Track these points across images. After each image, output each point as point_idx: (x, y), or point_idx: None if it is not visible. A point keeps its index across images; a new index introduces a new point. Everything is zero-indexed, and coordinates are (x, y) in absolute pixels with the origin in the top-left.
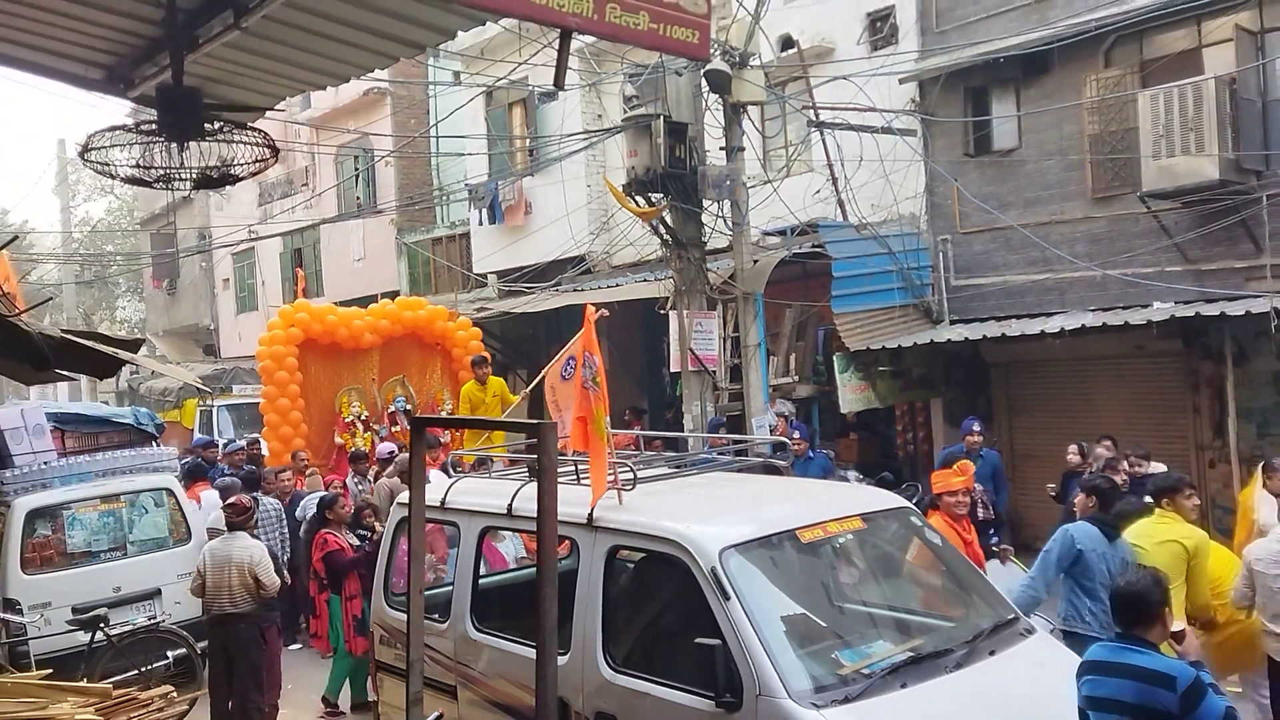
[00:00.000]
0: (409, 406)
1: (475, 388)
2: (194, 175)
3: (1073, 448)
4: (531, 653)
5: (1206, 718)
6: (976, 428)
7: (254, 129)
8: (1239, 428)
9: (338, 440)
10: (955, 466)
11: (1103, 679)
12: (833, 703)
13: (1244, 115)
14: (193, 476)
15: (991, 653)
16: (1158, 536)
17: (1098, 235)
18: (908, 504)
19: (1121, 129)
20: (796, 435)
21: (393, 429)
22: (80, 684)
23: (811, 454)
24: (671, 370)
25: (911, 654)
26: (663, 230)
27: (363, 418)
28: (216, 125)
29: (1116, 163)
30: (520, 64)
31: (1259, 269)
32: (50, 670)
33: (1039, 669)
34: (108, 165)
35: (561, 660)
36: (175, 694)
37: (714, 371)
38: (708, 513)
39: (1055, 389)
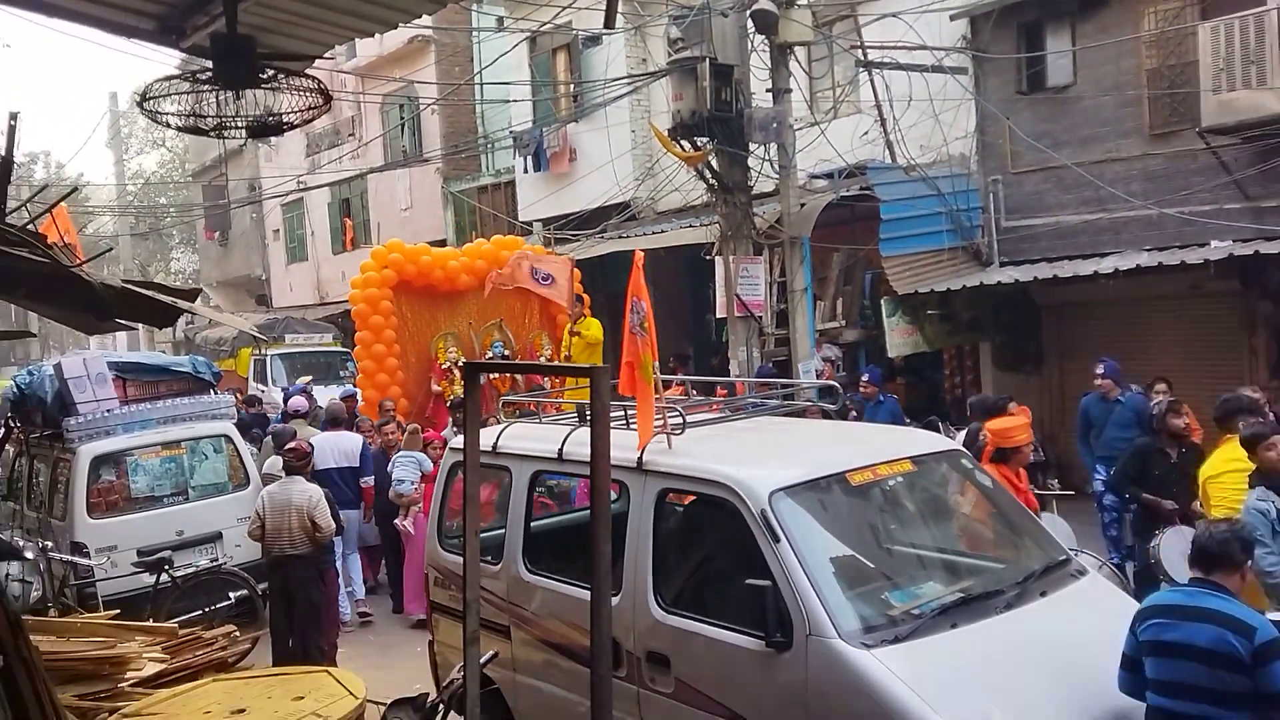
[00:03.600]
0: (507, 352)
1: (567, 333)
2: (248, 123)
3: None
4: (583, 593)
5: (1278, 679)
6: (1100, 370)
7: (307, 76)
8: None
9: (435, 388)
10: (1019, 409)
11: (1173, 623)
12: (882, 642)
13: None
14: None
15: (1043, 594)
16: None
17: (1154, 173)
18: (958, 447)
19: (1180, 63)
20: (866, 378)
21: (491, 377)
22: (147, 624)
23: (882, 398)
24: (717, 316)
25: (961, 595)
26: (708, 175)
27: (460, 364)
28: (269, 73)
29: (1175, 98)
30: (565, 8)
31: None
32: (118, 610)
33: (1091, 610)
34: (164, 115)
35: (613, 601)
36: (238, 633)
37: (760, 317)
38: (757, 456)
39: (1108, 331)
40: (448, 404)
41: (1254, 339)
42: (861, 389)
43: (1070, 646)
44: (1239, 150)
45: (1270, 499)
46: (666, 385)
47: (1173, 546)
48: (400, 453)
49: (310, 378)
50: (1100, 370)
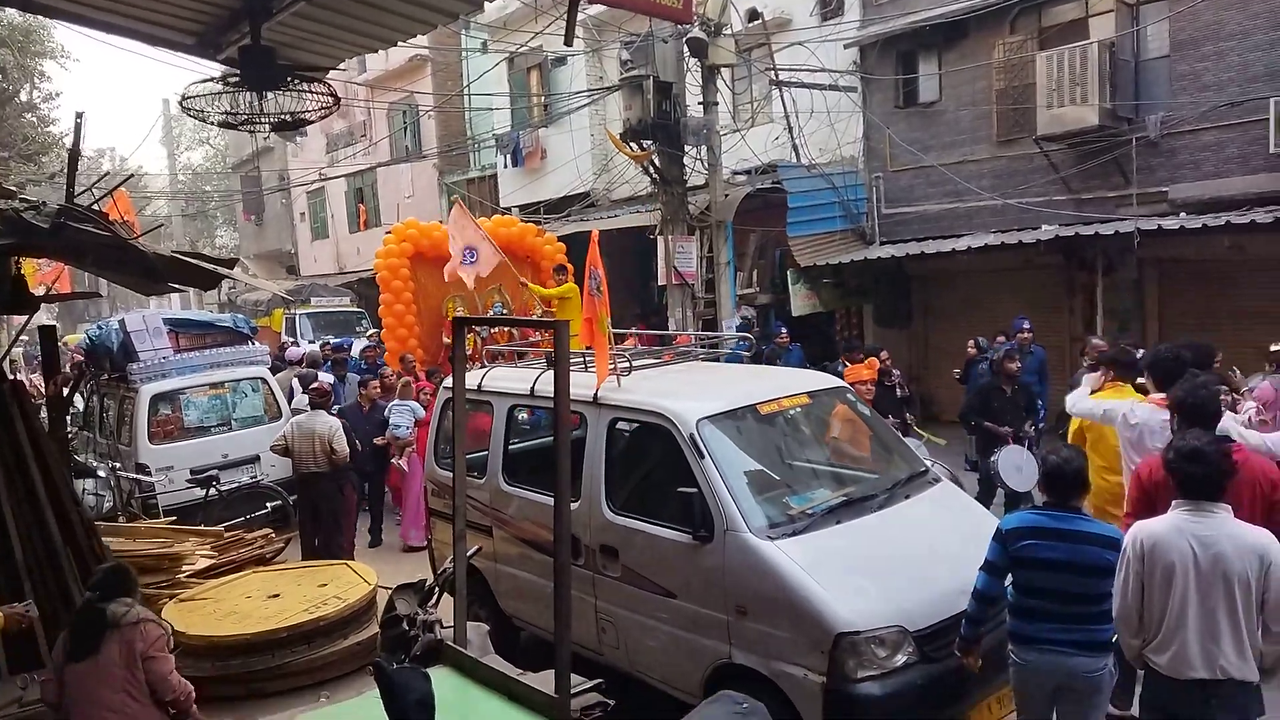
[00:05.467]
0: (505, 311)
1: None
2: (272, 120)
3: (970, 342)
4: (549, 500)
5: None
6: (1026, 326)
7: (320, 80)
8: (1105, 324)
9: (445, 340)
10: (865, 362)
11: (1052, 544)
12: (783, 535)
13: (1120, 72)
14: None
15: (907, 496)
16: None
17: (1000, 171)
18: (844, 384)
19: (1022, 84)
20: (784, 332)
21: (492, 331)
22: (199, 528)
23: (791, 347)
24: (659, 284)
25: (845, 498)
26: (652, 170)
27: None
28: (289, 79)
29: (1017, 112)
30: (536, 34)
31: (1127, 198)
32: (174, 518)
33: (942, 508)
34: (204, 112)
35: (573, 506)
36: (273, 535)
37: (693, 285)
38: (687, 392)
39: (962, 295)
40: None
41: (1073, 301)
42: (776, 341)
43: (927, 536)
44: (1065, 154)
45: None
46: (622, 339)
47: (1008, 461)
48: (395, 402)
49: (373, 330)
50: (1026, 326)
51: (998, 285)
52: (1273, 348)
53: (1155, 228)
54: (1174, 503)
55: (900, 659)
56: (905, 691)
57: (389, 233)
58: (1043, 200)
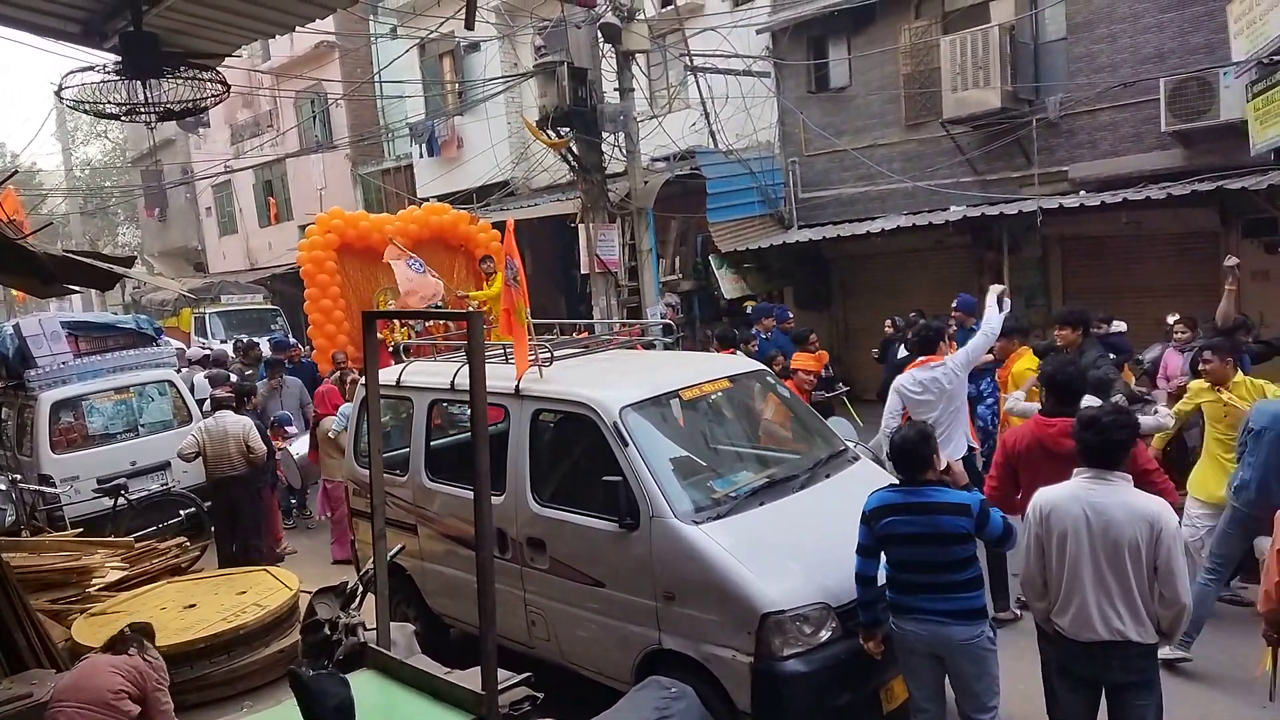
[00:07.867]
0: (440, 304)
1: (485, 288)
2: (157, 109)
3: (888, 321)
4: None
5: (994, 529)
6: (954, 305)
7: (208, 69)
8: (1012, 302)
9: (380, 335)
10: (814, 356)
11: (910, 518)
12: (708, 519)
13: (1020, 55)
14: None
15: (827, 476)
16: None
17: (909, 154)
18: (765, 367)
19: (928, 68)
20: (790, 316)
21: (426, 324)
22: (108, 539)
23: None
24: (582, 272)
25: (767, 480)
26: (570, 158)
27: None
28: (176, 67)
29: (924, 96)
30: (447, 19)
31: (1029, 178)
32: (82, 530)
33: (862, 485)
34: (84, 103)
35: (498, 500)
36: (188, 543)
37: (616, 272)
38: (610, 380)
39: (878, 277)
40: (389, 349)
41: (982, 280)
42: (781, 326)
43: (847, 513)
44: (970, 136)
45: None
46: (570, 330)
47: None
48: (346, 404)
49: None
50: (954, 305)
51: (911, 266)
52: (1169, 319)
53: (1056, 206)
54: (1075, 470)
55: (824, 634)
56: (830, 666)
57: (312, 224)
58: (950, 182)
